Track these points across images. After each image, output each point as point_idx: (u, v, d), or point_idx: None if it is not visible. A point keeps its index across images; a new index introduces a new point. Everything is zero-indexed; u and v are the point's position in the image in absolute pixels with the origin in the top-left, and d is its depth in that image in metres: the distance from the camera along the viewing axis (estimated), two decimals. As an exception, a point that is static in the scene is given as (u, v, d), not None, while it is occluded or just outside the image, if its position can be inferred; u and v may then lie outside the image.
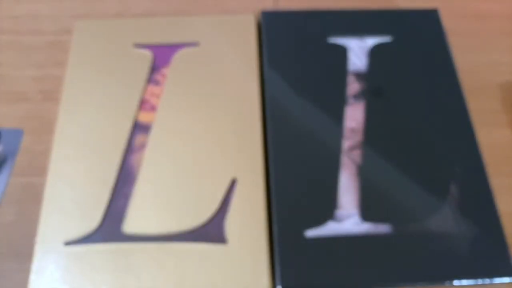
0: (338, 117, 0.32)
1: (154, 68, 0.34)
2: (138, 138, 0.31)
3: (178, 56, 0.35)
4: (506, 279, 0.27)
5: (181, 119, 0.32)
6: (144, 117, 0.32)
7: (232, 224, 0.28)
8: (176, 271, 0.27)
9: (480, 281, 0.27)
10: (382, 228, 0.28)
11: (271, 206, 0.29)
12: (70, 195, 0.29)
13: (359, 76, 0.34)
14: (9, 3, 0.40)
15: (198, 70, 0.34)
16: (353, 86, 0.34)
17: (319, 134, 0.31)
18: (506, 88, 0.36)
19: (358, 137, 0.32)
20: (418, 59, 0.35)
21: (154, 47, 0.35)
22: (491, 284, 0.27)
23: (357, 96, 0.33)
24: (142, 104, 0.33)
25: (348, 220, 0.29)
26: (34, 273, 0.27)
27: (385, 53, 0.35)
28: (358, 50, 0.35)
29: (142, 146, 0.31)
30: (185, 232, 0.28)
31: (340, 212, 0.29)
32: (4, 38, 0.38)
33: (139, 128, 0.32)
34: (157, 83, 0.34)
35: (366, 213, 0.29)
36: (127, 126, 0.31)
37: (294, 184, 0.29)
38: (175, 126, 0.32)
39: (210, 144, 0.31)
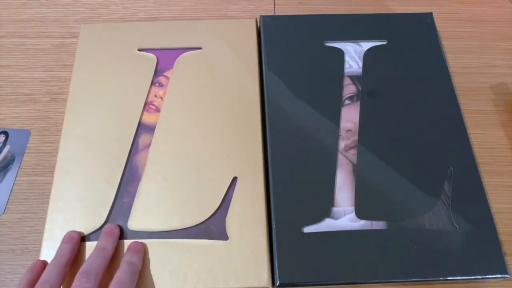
0: (334, 118, 0.33)
1: (158, 71, 0.35)
2: (143, 138, 0.32)
3: (181, 60, 0.35)
4: (498, 275, 0.28)
5: (184, 120, 0.33)
6: (148, 118, 0.33)
7: (233, 221, 0.29)
8: (179, 266, 0.28)
9: (473, 277, 0.28)
10: (377, 225, 0.29)
11: (270, 204, 0.30)
12: (76, 193, 0.30)
13: (355, 78, 0.35)
14: (16, 8, 0.41)
15: (200, 73, 0.35)
16: (349, 88, 0.34)
17: (316, 134, 0.32)
18: (498, 90, 0.37)
19: (354, 137, 0.32)
20: (413, 61, 0.35)
21: (158, 51, 0.36)
22: (484, 280, 0.28)
23: (353, 98, 0.34)
24: (147, 105, 0.33)
25: (344, 217, 0.29)
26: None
27: (380, 56, 0.36)
28: (354, 53, 0.36)
29: (147, 146, 0.32)
30: (188, 228, 0.29)
31: (336, 209, 0.30)
32: (12, 41, 0.39)
33: (143, 129, 0.32)
34: (161, 85, 0.35)
35: (362, 210, 0.29)
36: (132, 126, 0.32)
37: (292, 182, 0.30)
38: (179, 126, 0.32)
39: (212, 144, 0.32)
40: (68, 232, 0.28)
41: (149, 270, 0.27)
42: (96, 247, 0.27)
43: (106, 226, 0.28)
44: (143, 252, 0.28)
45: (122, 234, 0.29)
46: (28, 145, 0.34)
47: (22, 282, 0.26)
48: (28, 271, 0.26)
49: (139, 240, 0.28)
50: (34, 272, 0.26)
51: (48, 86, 0.36)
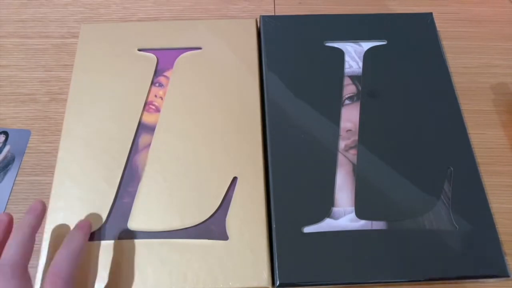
0: (334, 118, 0.33)
1: (158, 71, 0.35)
2: (143, 138, 0.32)
3: (181, 60, 0.35)
4: (498, 275, 0.28)
5: (184, 120, 0.33)
6: (148, 118, 0.33)
7: (233, 221, 0.29)
8: (179, 266, 0.28)
9: (473, 277, 0.28)
10: (377, 225, 0.29)
11: (270, 204, 0.30)
12: (76, 193, 0.30)
13: (355, 78, 0.35)
14: (16, 8, 0.41)
15: (200, 73, 0.35)
16: (349, 88, 0.34)
17: (316, 134, 0.32)
18: (498, 90, 0.37)
19: (354, 137, 0.32)
20: (413, 61, 0.35)
21: (158, 51, 0.36)
22: (484, 280, 0.28)
23: (353, 98, 0.34)
24: (147, 105, 0.33)
25: (344, 217, 0.29)
26: (42, 269, 0.27)
27: (380, 56, 0.36)
28: (354, 53, 0.36)
29: (147, 146, 0.32)
30: (188, 228, 0.29)
31: (336, 209, 0.30)
32: (12, 41, 0.39)
33: (143, 129, 0.32)
34: (161, 85, 0.35)
35: (362, 210, 0.30)
36: (132, 126, 0.32)
37: (292, 182, 0.30)
38: (178, 126, 0.32)
39: (212, 143, 0.32)
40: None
41: (149, 270, 0.27)
42: (15, 227, 0.24)
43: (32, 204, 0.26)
44: (88, 229, 0.26)
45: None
46: (28, 145, 0.34)
47: None
48: None
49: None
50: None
51: (48, 86, 0.37)
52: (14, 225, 0.25)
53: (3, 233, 0.24)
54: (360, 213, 0.29)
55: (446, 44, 0.38)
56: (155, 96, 0.34)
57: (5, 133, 0.34)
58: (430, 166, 0.31)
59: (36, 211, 0.25)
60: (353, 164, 0.31)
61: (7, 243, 0.23)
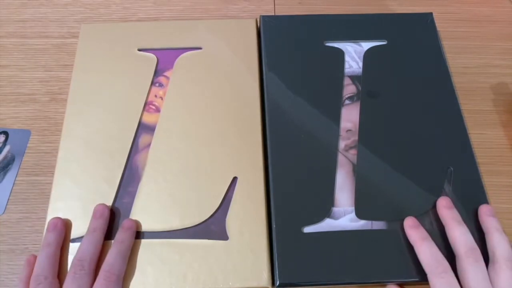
0: (335, 117, 0.33)
1: (158, 71, 0.35)
2: (143, 138, 0.32)
3: (181, 60, 0.35)
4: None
5: (184, 120, 0.33)
6: (148, 118, 0.33)
7: (233, 221, 0.29)
8: (179, 266, 0.28)
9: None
10: (377, 225, 0.29)
11: (270, 204, 0.30)
12: (76, 193, 0.30)
13: (355, 78, 0.35)
14: (16, 8, 0.41)
15: (200, 73, 0.35)
16: (349, 88, 0.34)
17: (316, 134, 0.32)
18: (498, 89, 0.37)
19: (354, 137, 0.32)
20: (413, 61, 0.35)
21: (158, 51, 0.36)
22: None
23: (353, 98, 0.34)
24: (147, 105, 0.33)
25: (344, 217, 0.29)
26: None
27: (380, 56, 0.36)
28: (354, 53, 0.36)
29: (147, 146, 0.32)
30: (188, 228, 0.29)
31: (336, 209, 0.30)
32: (12, 41, 0.39)
33: (143, 129, 0.33)
34: (161, 85, 0.35)
35: (362, 210, 0.30)
36: (132, 126, 0.32)
37: (292, 183, 0.30)
38: (179, 126, 0.32)
39: (212, 144, 0.32)
40: (51, 220, 0.28)
41: (149, 270, 0.27)
42: (87, 230, 0.28)
43: (95, 207, 0.29)
44: (135, 228, 0.28)
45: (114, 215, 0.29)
46: (28, 145, 0.34)
47: (22, 280, 0.26)
48: (24, 268, 0.26)
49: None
50: (31, 268, 0.26)
51: (48, 86, 0.37)
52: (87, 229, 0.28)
53: (61, 237, 0.28)
54: (360, 213, 0.29)
55: (446, 44, 0.38)
56: (155, 96, 0.34)
57: (5, 133, 0.34)
58: (430, 166, 0.31)
59: (103, 216, 0.28)
60: (353, 164, 0.31)
61: (82, 244, 0.27)
